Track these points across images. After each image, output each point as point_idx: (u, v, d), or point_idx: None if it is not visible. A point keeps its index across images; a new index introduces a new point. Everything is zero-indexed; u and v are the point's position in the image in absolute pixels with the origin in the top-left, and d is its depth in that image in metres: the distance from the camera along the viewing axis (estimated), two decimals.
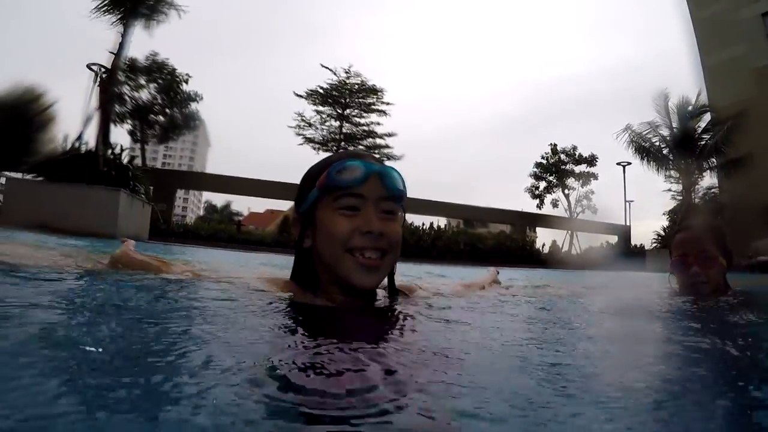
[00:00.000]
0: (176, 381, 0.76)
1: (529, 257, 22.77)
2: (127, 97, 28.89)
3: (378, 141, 35.12)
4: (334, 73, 34.01)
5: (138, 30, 17.45)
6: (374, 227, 1.49)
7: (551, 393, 0.83)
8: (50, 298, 1.39)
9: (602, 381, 0.95)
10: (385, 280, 1.74)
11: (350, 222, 1.51)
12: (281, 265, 1.87)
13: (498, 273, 2.94)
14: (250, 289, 1.72)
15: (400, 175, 1.61)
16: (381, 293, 1.77)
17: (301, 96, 34.26)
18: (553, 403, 0.79)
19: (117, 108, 26.69)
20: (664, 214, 26.97)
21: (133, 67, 28.44)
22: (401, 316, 1.54)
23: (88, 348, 0.92)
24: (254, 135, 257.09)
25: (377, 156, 1.75)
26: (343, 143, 34.05)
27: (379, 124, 35.09)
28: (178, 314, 1.32)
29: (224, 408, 0.67)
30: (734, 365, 1.14)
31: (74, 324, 1.15)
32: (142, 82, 29.65)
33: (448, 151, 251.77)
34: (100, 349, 0.91)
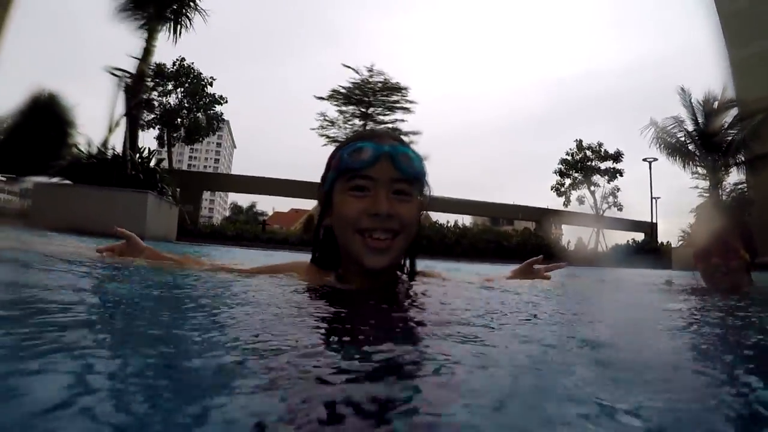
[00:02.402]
0: (198, 368, 0.79)
1: (555, 254, 22.53)
2: (155, 103, 29.22)
3: (403, 139, 34.63)
4: (357, 72, 33.95)
5: (163, 35, 17.74)
6: (381, 209, 1.49)
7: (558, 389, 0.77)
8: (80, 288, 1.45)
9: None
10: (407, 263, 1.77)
11: (359, 203, 1.52)
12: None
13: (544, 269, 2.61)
14: (272, 276, 1.78)
15: (416, 156, 1.60)
16: (403, 277, 1.77)
17: (322, 98, 34.29)
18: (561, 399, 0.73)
19: (146, 114, 27.04)
20: (691, 211, 26.51)
21: (160, 73, 28.76)
22: (419, 302, 1.54)
23: (124, 334, 0.99)
24: (278, 135, 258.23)
25: (398, 135, 1.75)
26: None
27: (403, 121, 35.03)
28: (200, 303, 1.36)
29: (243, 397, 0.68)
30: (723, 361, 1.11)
31: (106, 309, 1.21)
32: (170, 87, 30.00)
33: (471, 149, 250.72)
34: (139, 338, 0.95)
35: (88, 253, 2.17)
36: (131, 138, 14.34)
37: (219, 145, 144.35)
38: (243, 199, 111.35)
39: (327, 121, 34.47)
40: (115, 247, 2.09)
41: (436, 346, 1.00)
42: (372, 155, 1.52)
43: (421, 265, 1.82)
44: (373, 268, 1.54)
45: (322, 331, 1.10)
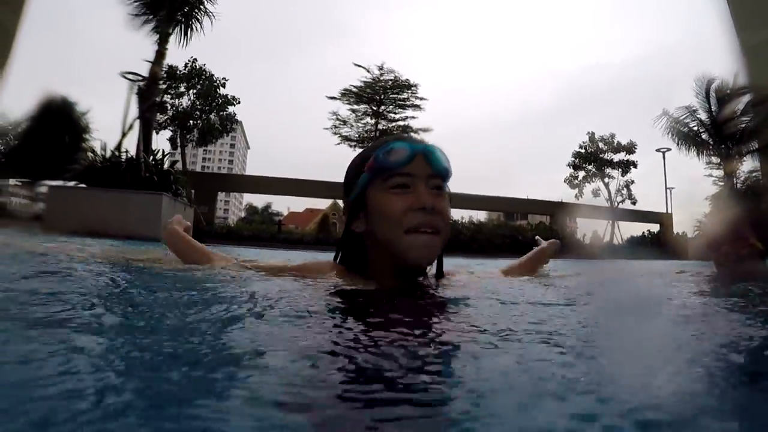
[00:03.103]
0: (218, 366, 0.79)
1: (569, 248, 22.49)
2: (168, 105, 29.40)
3: (413, 136, 34.56)
4: (368, 71, 34.04)
5: (174, 38, 17.93)
6: (427, 202, 1.52)
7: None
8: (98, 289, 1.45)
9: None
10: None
11: (403, 200, 1.54)
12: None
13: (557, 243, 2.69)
14: (299, 275, 1.76)
15: (443, 154, 1.63)
16: (429, 277, 1.77)
17: (334, 98, 34.47)
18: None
19: (158, 116, 27.23)
20: (705, 198, 26.40)
21: (173, 75, 28.94)
22: (448, 300, 1.55)
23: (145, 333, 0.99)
24: (292, 134, 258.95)
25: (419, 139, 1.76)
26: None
27: (414, 118, 35.06)
28: (225, 300, 1.34)
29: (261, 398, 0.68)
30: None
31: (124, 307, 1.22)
32: (182, 89, 30.16)
33: (483, 145, 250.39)
34: (158, 337, 0.95)
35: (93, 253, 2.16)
36: (145, 140, 14.47)
37: (232, 146, 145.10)
38: (258, 200, 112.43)
39: (339, 120, 34.63)
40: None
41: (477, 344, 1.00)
42: (410, 153, 1.56)
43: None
44: (419, 264, 1.59)
45: (371, 331, 1.08)
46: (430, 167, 1.58)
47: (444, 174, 1.62)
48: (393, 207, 1.54)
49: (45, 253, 2.40)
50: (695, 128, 24.82)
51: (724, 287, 2.45)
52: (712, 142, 24.51)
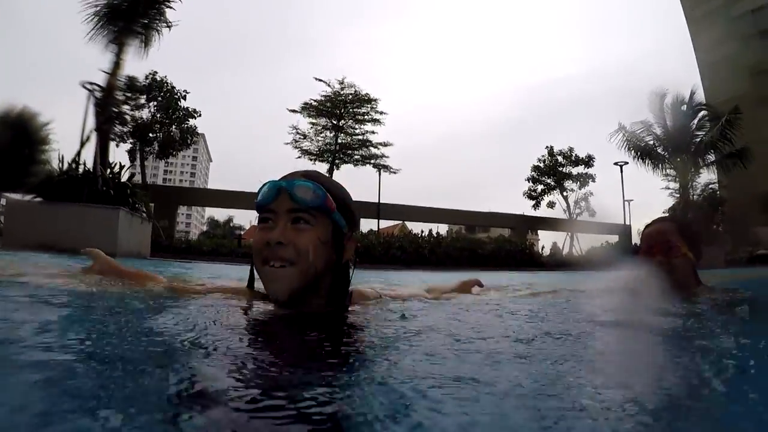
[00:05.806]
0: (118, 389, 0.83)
1: (529, 260, 22.76)
2: (127, 117, 28.91)
3: (374, 150, 35.21)
4: (328, 85, 34.19)
5: (134, 49, 17.71)
6: (272, 237, 1.59)
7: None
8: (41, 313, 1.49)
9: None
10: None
11: (262, 236, 1.64)
12: None
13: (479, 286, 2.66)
14: (208, 297, 1.89)
15: (315, 187, 1.65)
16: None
17: (295, 111, 34.55)
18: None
19: (117, 128, 26.75)
20: (663, 212, 27.06)
21: (132, 87, 28.47)
22: (347, 323, 1.64)
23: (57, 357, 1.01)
24: (254, 148, 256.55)
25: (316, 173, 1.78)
26: (338, 154, 34.25)
27: (373, 132, 35.23)
28: (139, 322, 1.43)
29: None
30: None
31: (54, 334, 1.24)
32: (142, 101, 29.74)
33: (446, 159, 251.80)
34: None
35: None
36: (102, 153, 14.18)
37: (195, 158, 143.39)
38: (220, 213, 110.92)
39: (299, 133, 34.59)
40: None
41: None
42: (268, 190, 1.65)
43: (396, 276, 1.86)
44: (273, 296, 1.64)
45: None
46: (291, 202, 1.63)
47: (309, 207, 1.64)
48: (255, 242, 1.67)
49: None
50: (650, 142, 25.38)
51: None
52: (667, 156, 25.10)
